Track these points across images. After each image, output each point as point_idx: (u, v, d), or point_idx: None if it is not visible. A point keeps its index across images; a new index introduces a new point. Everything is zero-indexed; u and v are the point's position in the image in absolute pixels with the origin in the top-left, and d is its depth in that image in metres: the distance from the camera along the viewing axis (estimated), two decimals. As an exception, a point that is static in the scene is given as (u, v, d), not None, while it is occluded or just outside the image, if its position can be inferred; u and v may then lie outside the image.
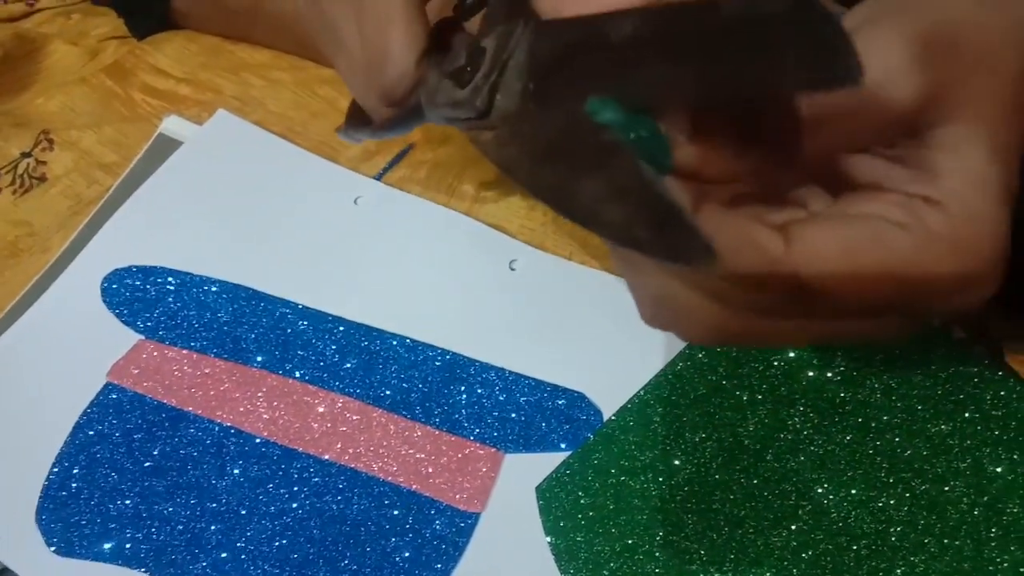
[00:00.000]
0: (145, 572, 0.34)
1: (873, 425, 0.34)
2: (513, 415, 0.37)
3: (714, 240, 0.18)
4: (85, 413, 0.37)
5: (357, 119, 0.33)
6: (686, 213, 0.18)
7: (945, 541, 0.32)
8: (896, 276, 0.20)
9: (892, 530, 0.32)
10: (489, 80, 0.23)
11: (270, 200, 0.42)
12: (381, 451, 0.36)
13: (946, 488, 0.33)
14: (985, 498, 0.32)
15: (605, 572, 0.33)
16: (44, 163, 0.47)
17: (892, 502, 0.33)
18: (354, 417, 0.37)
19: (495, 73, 0.22)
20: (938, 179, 0.20)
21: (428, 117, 0.28)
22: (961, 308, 0.21)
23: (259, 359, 0.38)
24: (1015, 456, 0.33)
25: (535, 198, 0.21)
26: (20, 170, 0.46)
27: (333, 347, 0.38)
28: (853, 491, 0.33)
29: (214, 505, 0.35)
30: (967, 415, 0.34)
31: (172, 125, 0.46)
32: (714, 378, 0.36)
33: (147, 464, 0.36)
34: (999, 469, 0.33)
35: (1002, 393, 0.34)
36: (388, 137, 0.38)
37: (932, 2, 0.21)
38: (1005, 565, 0.31)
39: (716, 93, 0.19)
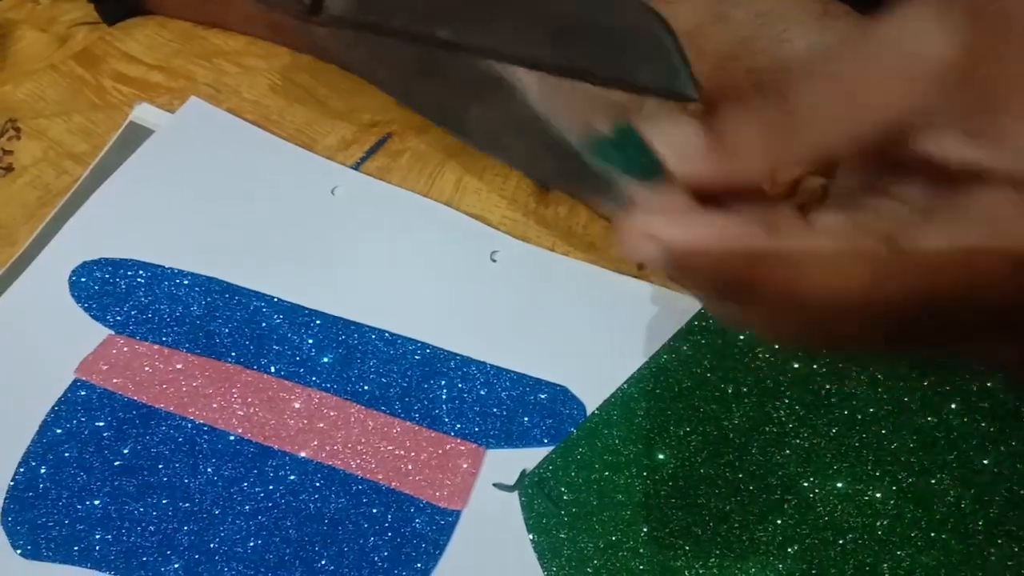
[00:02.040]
0: (115, 575, 0.33)
1: (859, 418, 0.34)
2: (495, 410, 0.36)
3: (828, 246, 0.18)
4: (52, 411, 0.36)
5: None
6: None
7: (932, 534, 0.32)
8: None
9: (878, 524, 0.32)
10: None
11: (244, 190, 0.41)
12: (359, 448, 0.35)
13: (932, 481, 0.32)
14: (972, 491, 0.32)
15: (588, 569, 0.32)
16: (11, 152, 0.45)
17: (878, 495, 0.32)
18: (331, 413, 0.36)
19: None
20: (1004, 147, 0.19)
21: None
22: None
23: (233, 354, 0.37)
24: (1002, 448, 0.33)
25: (412, 108, 0.22)
26: (-15, 160, 0.45)
27: (309, 341, 0.37)
28: (839, 484, 0.33)
29: (186, 505, 0.34)
30: (953, 407, 0.34)
31: (143, 113, 0.45)
32: (699, 371, 0.35)
33: (117, 463, 0.35)
34: (986, 461, 0.32)
35: (988, 385, 0.34)
36: None
37: None
38: (992, 559, 0.31)
39: (558, 69, 0.20)
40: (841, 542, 0.32)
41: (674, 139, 0.21)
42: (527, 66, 0.21)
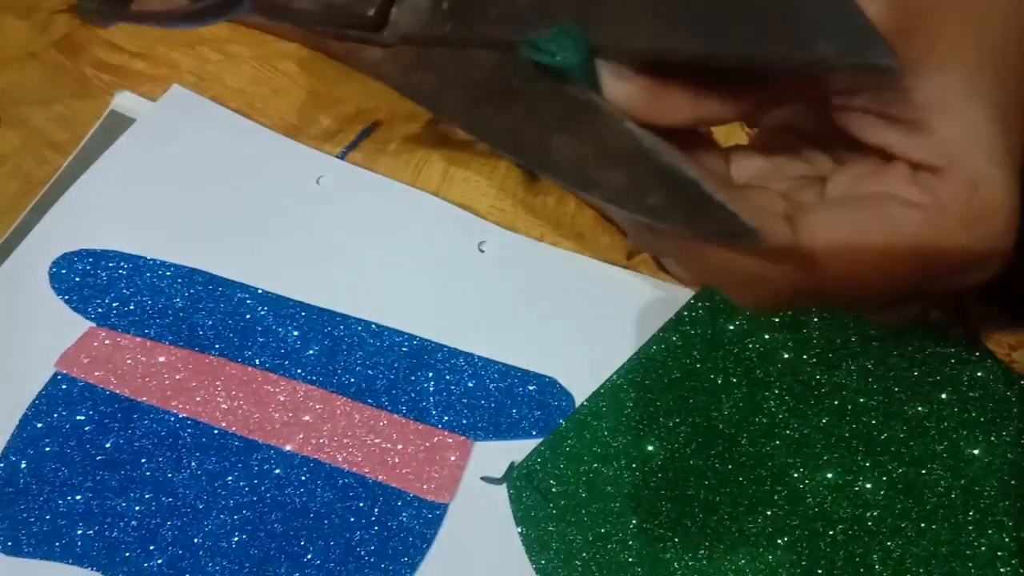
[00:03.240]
0: (97, 571, 0.32)
1: (849, 408, 0.34)
2: (483, 402, 0.35)
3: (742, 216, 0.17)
4: (33, 404, 0.35)
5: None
6: (705, 184, 0.17)
7: (922, 525, 0.31)
8: (919, 254, 0.19)
9: (868, 514, 0.32)
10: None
11: (228, 180, 0.41)
12: (345, 441, 0.35)
13: (923, 471, 0.32)
14: (962, 481, 0.32)
15: (577, 562, 0.32)
16: (-10, 142, 0.44)
17: (868, 486, 0.32)
18: (317, 406, 0.35)
19: None
20: (936, 142, 0.19)
21: (256, 13, 0.23)
22: (976, 283, 0.20)
23: (217, 346, 0.37)
24: (992, 438, 0.32)
25: (479, 137, 0.20)
26: (-36, 150, 0.44)
27: (295, 333, 0.37)
28: (829, 475, 0.33)
29: (170, 499, 0.34)
30: (944, 397, 0.33)
31: (125, 101, 0.44)
32: (688, 362, 0.35)
33: (99, 457, 0.34)
34: (976, 451, 0.32)
35: (979, 374, 0.34)
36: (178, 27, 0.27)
37: None
38: (983, 549, 0.31)
39: (713, 51, 0.17)
40: (831, 533, 0.32)
41: (616, 89, 0.19)
42: (663, 57, 0.17)
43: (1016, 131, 0.19)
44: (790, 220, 0.19)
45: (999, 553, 0.31)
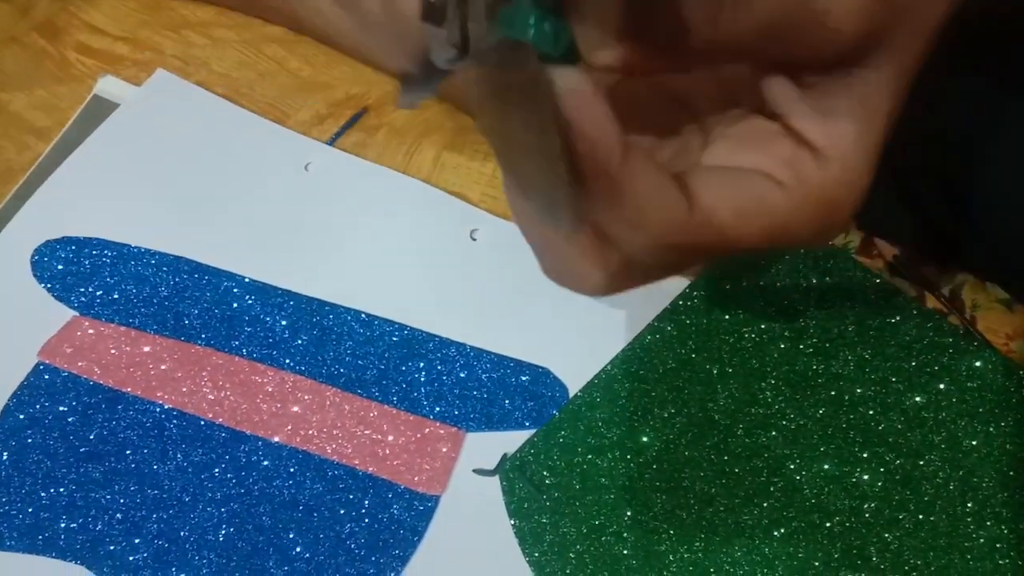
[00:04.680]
0: (81, 564, 0.32)
1: (846, 398, 0.33)
2: (475, 392, 0.35)
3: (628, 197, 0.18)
4: (15, 395, 0.35)
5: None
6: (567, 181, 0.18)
7: (920, 516, 0.31)
8: (774, 237, 0.21)
9: (866, 506, 0.31)
10: (459, 7, 0.20)
11: (214, 166, 0.40)
12: (335, 432, 0.34)
13: (921, 462, 0.32)
14: (960, 472, 0.32)
15: (571, 555, 0.32)
16: (-31, 127, 0.43)
17: (866, 477, 0.32)
18: (306, 396, 0.35)
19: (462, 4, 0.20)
20: (833, 125, 0.20)
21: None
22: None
23: (203, 336, 0.36)
24: (991, 429, 0.32)
25: (492, 145, 0.20)
26: (-57, 135, 0.43)
27: (283, 323, 0.36)
28: (826, 466, 0.32)
29: (155, 492, 0.33)
30: (942, 387, 0.33)
31: (108, 86, 0.43)
32: (683, 351, 0.35)
33: (83, 449, 0.34)
34: (974, 442, 0.32)
35: (977, 364, 0.33)
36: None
37: None
38: (980, 541, 0.30)
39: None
40: (828, 525, 0.31)
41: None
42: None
43: (889, 123, 0.21)
44: (683, 188, 0.20)
45: (997, 544, 0.30)
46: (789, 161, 0.21)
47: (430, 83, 0.26)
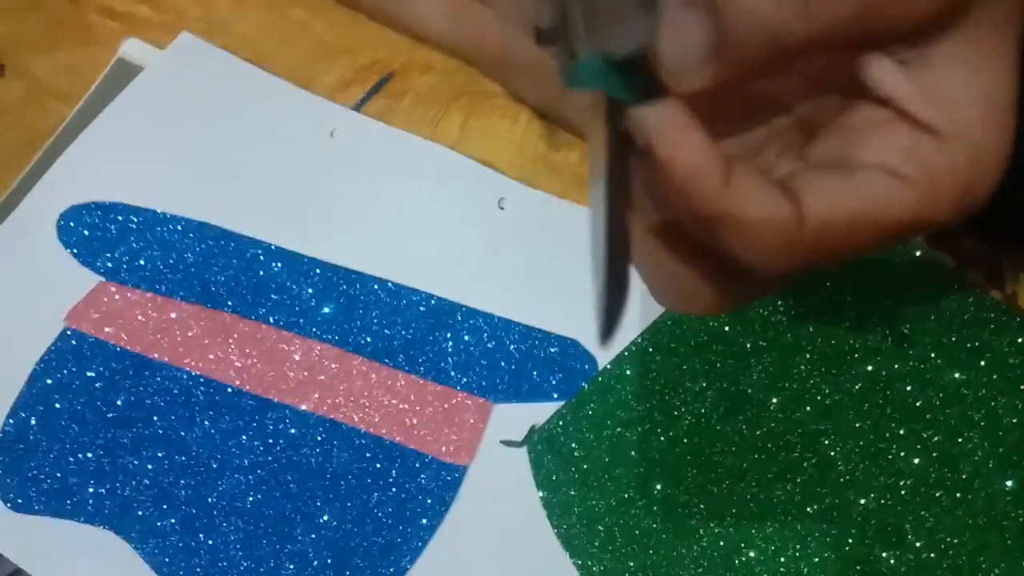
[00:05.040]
0: (109, 529, 0.32)
1: (883, 374, 0.32)
2: (503, 363, 0.34)
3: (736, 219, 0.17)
4: (42, 360, 0.35)
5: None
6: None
7: (958, 495, 0.30)
8: (903, 235, 0.19)
9: (902, 483, 0.31)
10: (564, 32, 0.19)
11: (239, 131, 0.39)
12: (362, 401, 0.34)
13: (959, 439, 0.31)
14: (1000, 450, 0.31)
15: (599, 527, 0.31)
16: (-7, 91, 0.43)
17: (902, 454, 0.31)
18: (332, 365, 0.34)
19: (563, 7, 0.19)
20: (948, 100, 0.19)
21: None
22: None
23: (230, 303, 0.36)
24: (1033, 407, 0.31)
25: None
26: (-34, 99, 0.43)
27: (309, 291, 0.36)
28: (861, 443, 0.32)
29: (183, 458, 0.33)
30: (983, 363, 0.32)
31: (132, 49, 0.42)
32: (716, 324, 0.34)
33: (110, 415, 0.34)
34: (1015, 420, 0.31)
35: (1020, 340, 0.32)
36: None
37: None
38: (1021, 520, 0.30)
39: None
40: (863, 502, 0.31)
41: (673, 38, 0.18)
42: None
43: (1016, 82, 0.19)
44: (791, 196, 0.18)
45: (1037, 524, 0.30)
46: (909, 150, 0.19)
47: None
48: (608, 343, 0.17)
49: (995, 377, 0.32)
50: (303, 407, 0.34)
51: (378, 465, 0.33)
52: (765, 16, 0.17)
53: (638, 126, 0.18)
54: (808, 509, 0.31)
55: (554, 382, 0.34)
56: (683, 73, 0.18)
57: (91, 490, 0.32)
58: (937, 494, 0.31)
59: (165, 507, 0.32)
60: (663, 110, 0.17)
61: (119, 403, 0.34)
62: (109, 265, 0.36)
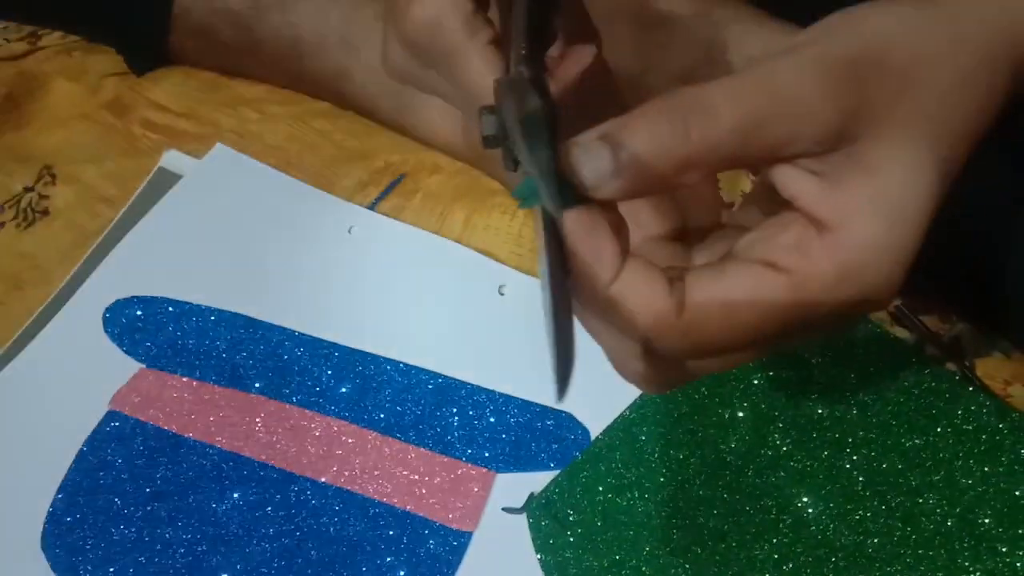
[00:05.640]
0: (148, 595, 0.35)
1: (850, 440, 0.36)
2: (504, 436, 0.38)
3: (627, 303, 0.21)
4: (88, 440, 0.38)
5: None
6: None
7: (920, 551, 0.33)
8: (775, 321, 0.21)
9: (869, 541, 0.34)
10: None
11: (267, 231, 0.44)
12: (376, 473, 0.37)
13: (920, 500, 0.34)
14: (958, 509, 0.34)
15: (594, 587, 0.34)
16: (47, 197, 0.48)
17: (869, 514, 0.34)
18: (349, 440, 0.38)
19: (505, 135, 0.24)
20: (842, 199, 0.21)
21: None
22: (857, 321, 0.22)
23: (257, 385, 0.39)
24: (986, 468, 0.34)
25: None
26: (23, 204, 0.48)
27: (328, 372, 0.40)
28: (832, 504, 0.35)
29: (214, 529, 0.36)
30: (939, 430, 0.35)
31: (171, 159, 0.47)
32: (697, 396, 0.37)
33: (149, 490, 0.37)
34: (971, 481, 0.34)
35: (972, 408, 0.35)
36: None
37: (859, 26, 0.22)
38: (977, 574, 0.32)
39: None
40: (834, 559, 0.34)
41: (585, 164, 0.21)
42: None
43: (938, 187, 0.21)
44: (676, 292, 0.21)
45: (993, 578, 0.32)
46: (793, 244, 0.21)
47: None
48: (563, 396, 0.21)
49: (951, 442, 0.35)
50: (323, 479, 0.37)
51: (391, 532, 0.36)
52: (654, 144, 0.21)
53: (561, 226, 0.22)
54: (784, 567, 0.34)
55: (550, 452, 0.37)
56: (596, 188, 0.21)
57: (131, 559, 0.36)
58: (901, 551, 0.33)
59: (197, 574, 0.35)
60: (574, 216, 0.21)
61: (157, 478, 0.37)
62: (149, 353, 0.40)
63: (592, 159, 0.21)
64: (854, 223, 0.21)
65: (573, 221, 0.21)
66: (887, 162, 0.21)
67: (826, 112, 0.21)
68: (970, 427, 0.35)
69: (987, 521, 0.33)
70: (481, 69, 0.27)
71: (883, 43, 0.22)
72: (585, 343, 0.40)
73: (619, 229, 0.22)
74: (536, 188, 0.21)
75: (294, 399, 0.39)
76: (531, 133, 0.21)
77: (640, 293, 0.21)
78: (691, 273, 0.22)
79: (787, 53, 0.22)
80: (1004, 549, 0.33)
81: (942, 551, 0.33)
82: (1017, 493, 0.34)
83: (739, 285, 0.21)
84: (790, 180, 0.22)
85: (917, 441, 0.35)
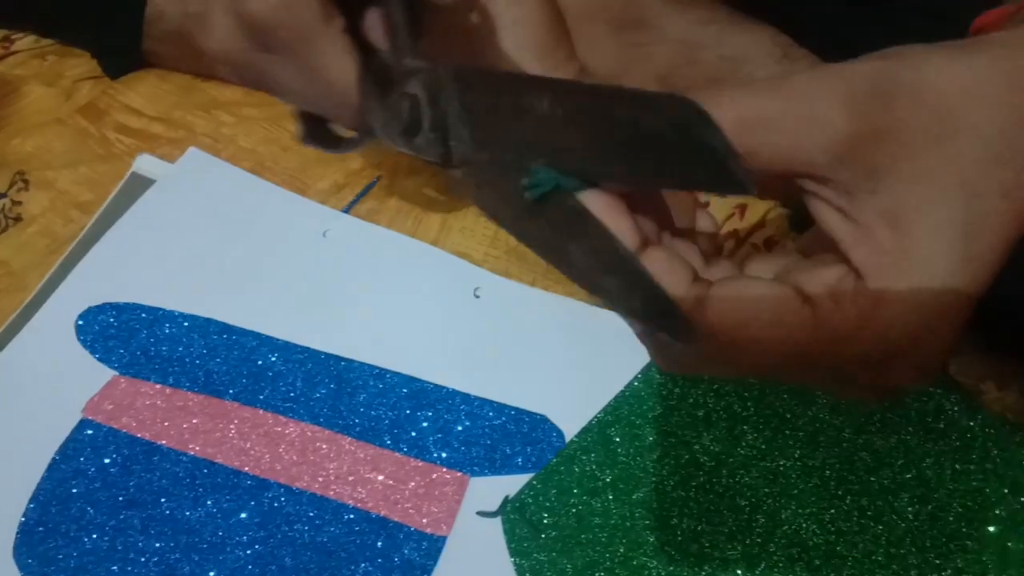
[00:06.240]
0: (121, 603, 0.35)
1: (821, 440, 0.36)
2: (478, 439, 0.38)
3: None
4: (61, 449, 0.38)
5: (314, 138, 0.34)
6: (669, 297, 0.21)
7: (892, 550, 0.33)
8: (795, 347, 0.21)
9: (841, 540, 0.34)
10: (437, 133, 0.24)
11: (241, 235, 0.44)
12: (351, 478, 0.37)
13: (892, 499, 0.34)
14: (929, 507, 0.34)
15: (568, 590, 0.34)
16: (20, 203, 0.48)
17: (841, 513, 0.34)
18: (323, 446, 0.38)
19: (439, 127, 0.24)
20: (872, 247, 0.20)
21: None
22: (905, 381, 0.22)
23: (231, 391, 0.39)
24: (956, 467, 0.34)
25: (527, 246, 0.23)
26: (-4, 211, 0.47)
27: (303, 377, 0.40)
28: (804, 504, 0.35)
29: (187, 537, 0.36)
30: (911, 428, 0.35)
31: (145, 164, 0.47)
32: (671, 398, 0.37)
33: (122, 498, 0.37)
34: (942, 479, 0.34)
35: (944, 406, 0.36)
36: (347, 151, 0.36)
37: (899, 53, 0.21)
38: (948, 571, 0.33)
39: (632, 180, 0.22)
40: (806, 559, 0.34)
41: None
42: (608, 181, 0.22)
43: (972, 244, 0.20)
44: (702, 291, 0.21)
45: (963, 575, 0.32)
46: (830, 284, 0.21)
47: (339, 149, 0.32)
48: (684, 337, 0.20)
49: (921, 441, 0.35)
50: (297, 485, 0.37)
51: (365, 538, 0.36)
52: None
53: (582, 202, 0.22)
54: (758, 567, 0.34)
55: (525, 455, 0.37)
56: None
57: (104, 568, 0.35)
58: (873, 550, 0.33)
59: (171, 582, 0.35)
60: (595, 195, 0.22)
61: (131, 486, 0.37)
62: (123, 360, 0.40)
63: None
64: (883, 278, 0.20)
65: (594, 199, 0.21)
66: (918, 217, 0.20)
67: (840, 121, 0.20)
68: (941, 425, 0.35)
69: (957, 519, 0.33)
70: (342, 57, 0.27)
71: (923, 71, 0.20)
72: (561, 348, 0.40)
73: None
74: (552, 174, 0.21)
75: (268, 405, 0.39)
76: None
77: (664, 271, 0.21)
78: (722, 280, 0.21)
79: (810, 69, 0.21)
80: (975, 546, 0.33)
81: (913, 549, 0.33)
82: (988, 491, 0.34)
83: (764, 298, 0.21)
84: (827, 215, 0.21)
85: (888, 441, 0.35)
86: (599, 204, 0.22)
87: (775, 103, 0.20)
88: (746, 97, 0.20)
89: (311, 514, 0.36)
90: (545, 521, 0.35)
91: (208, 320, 0.41)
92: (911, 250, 0.20)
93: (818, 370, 0.22)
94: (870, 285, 0.20)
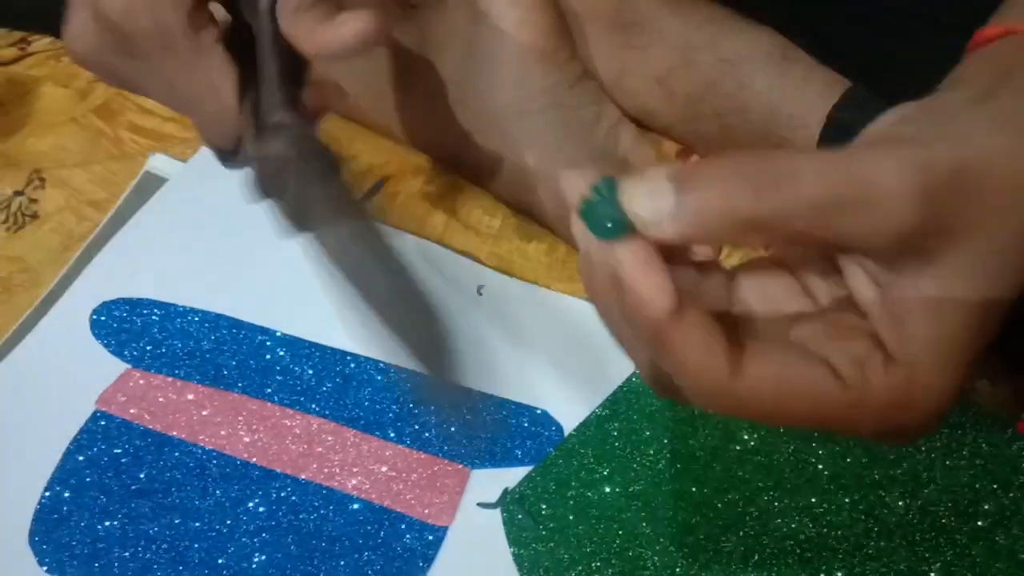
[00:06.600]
0: (132, 589, 0.36)
1: (814, 435, 0.36)
2: (480, 433, 0.39)
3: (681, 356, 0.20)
4: (75, 439, 0.39)
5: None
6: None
7: (882, 544, 0.34)
8: (824, 425, 0.21)
9: (833, 534, 0.34)
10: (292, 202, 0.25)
11: (249, 233, 0.45)
12: (355, 470, 0.38)
13: (883, 493, 0.35)
14: (919, 502, 0.35)
15: (565, 579, 0.35)
16: (36, 201, 0.49)
17: (832, 507, 0.35)
18: (329, 438, 0.39)
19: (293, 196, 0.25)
20: (904, 330, 0.21)
21: None
22: (918, 435, 0.22)
23: (239, 385, 0.40)
24: (947, 462, 0.35)
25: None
26: (13, 208, 0.49)
27: (309, 372, 0.41)
28: (797, 498, 0.35)
29: (197, 524, 0.37)
30: (903, 424, 0.36)
31: (158, 163, 0.48)
32: (668, 394, 0.38)
33: (134, 487, 0.38)
34: (932, 474, 0.35)
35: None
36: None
37: (966, 132, 0.21)
38: (937, 565, 0.33)
39: None
40: (799, 551, 0.34)
41: (645, 201, 0.20)
42: None
43: (993, 323, 0.21)
44: (735, 358, 0.21)
45: (952, 569, 0.33)
46: (861, 361, 0.21)
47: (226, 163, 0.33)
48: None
49: (914, 436, 0.36)
50: (303, 476, 0.38)
51: (368, 527, 0.37)
52: (724, 197, 0.20)
53: (611, 257, 0.21)
54: (750, 559, 0.35)
55: (525, 449, 0.38)
56: (648, 225, 0.20)
57: (116, 554, 0.37)
58: (864, 543, 0.34)
59: (181, 568, 0.36)
60: (629, 249, 0.20)
61: (142, 476, 0.38)
62: (135, 354, 0.41)
63: (654, 195, 0.20)
64: (917, 366, 0.20)
65: (627, 253, 0.20)
66: (952, 306, 0.20)
67: (911, 216, 0.20)
68: (933, 422, 0.36)
69: (947, 513, 0.34)
70: (221, 69, 0.25)
71: (987, 163, 0.20)
72: (561, 345, 0.41)
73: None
74: (600, 208, 0.21)
75: (275, 398, 0.40)
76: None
77: (697, 350, 0.20)
78: (756, 345, 0.21)
79: (887, 144, 0.21)
80: (964, 540, 0.34)
81: (903, 543, 0.34)
82: (977, 487, 0.34)
83: (798, 376, 0.21)
84: (863, 288, 0.22)
85: (881, 436, 0.36)
86: (634, 259, 0.20)
87: (849, 188, 0.20)
88: (826, 176, 0.20)
89: (316, 504, 0.37)
90: (544, 512, 0.36)
91: (218, 316, 0.42)
92: (948, 340, 0.20)
93: (835, 430, 0.22)
94: (900, 371, 0.21)
